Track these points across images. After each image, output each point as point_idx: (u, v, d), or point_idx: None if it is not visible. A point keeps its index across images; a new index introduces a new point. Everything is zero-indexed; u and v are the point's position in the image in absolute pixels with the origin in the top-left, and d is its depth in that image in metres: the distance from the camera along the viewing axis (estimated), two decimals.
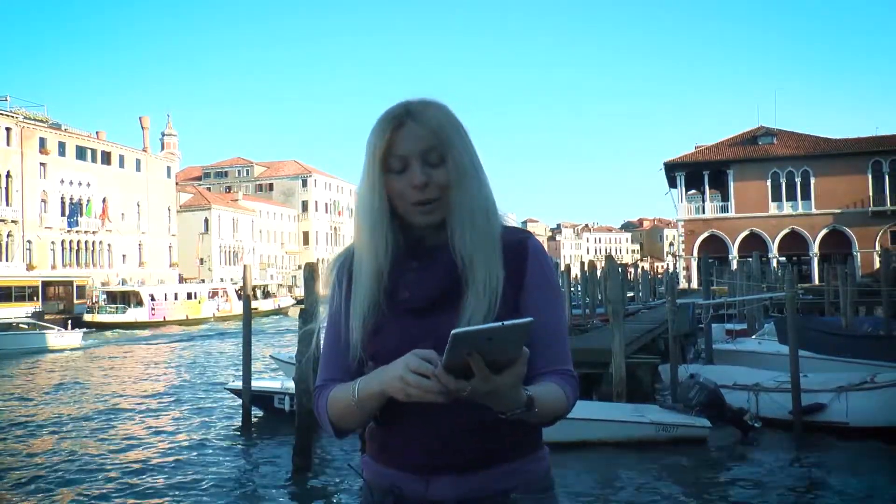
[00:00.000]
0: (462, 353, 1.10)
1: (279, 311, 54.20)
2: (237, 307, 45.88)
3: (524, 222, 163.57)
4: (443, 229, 1.36)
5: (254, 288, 54.73)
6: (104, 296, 45.43)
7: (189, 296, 48.28)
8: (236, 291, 48.81)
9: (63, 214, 51.43)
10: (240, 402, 12.57)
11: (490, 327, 1.09)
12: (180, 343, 31.97)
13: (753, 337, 17.50)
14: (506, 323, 1.08)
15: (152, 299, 45.12)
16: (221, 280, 59.18)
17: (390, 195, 1.35)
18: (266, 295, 56.49)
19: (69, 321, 40.80)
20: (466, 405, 1.19)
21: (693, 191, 54.04)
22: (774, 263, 41.78)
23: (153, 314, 44.20)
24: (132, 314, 43.05)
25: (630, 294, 33.89)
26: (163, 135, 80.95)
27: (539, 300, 1.36)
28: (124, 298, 44.64)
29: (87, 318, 42.10)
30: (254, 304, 51.49)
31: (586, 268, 28.80)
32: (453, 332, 1.08)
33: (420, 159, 1.33)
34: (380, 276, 1.36)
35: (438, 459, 1.33)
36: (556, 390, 1.30)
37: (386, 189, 1.35)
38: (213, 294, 50.61)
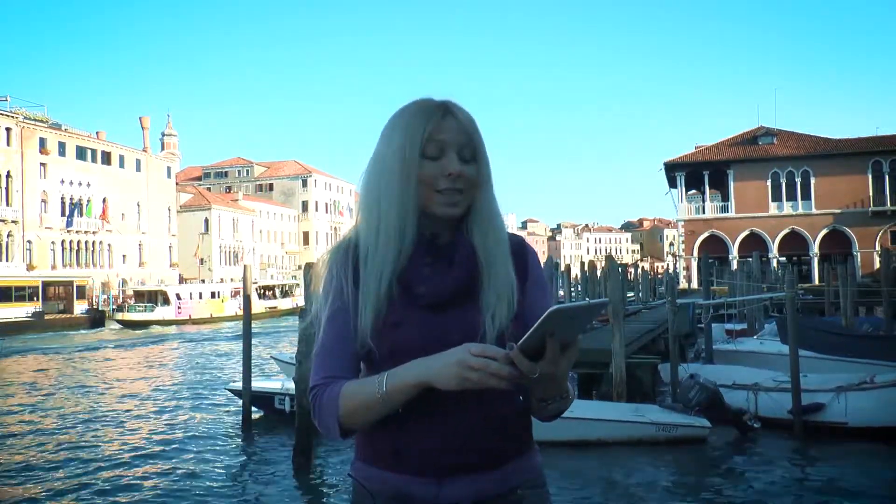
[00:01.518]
0: (546, 333, 1.10)
1: (297, 310, 54.57)
2: (257, 306, 46.78)
3: (524, 222, 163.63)
4: (455, 228, 1.39)
5: (272, 287, 56.37)
6: (105, 295, 45.92)
7: (213, 295, 49.72)
8: (257, 290, 50.13)
9: (63, 214, 51.44)
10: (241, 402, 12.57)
11: (579, 305, 1.10)
12: (135, 349, 29.50)
13: (755, 337, 17.47)
14: (591, 302, 1.12)
15: (178, 298, 46.65)
16: (221, 280, 59.48)
17: (418, 181, 1.35)
18: (285, 294, 57.34)
19: (95, 320, 42.16)
20: (484, 401, 1.21)
21: (693, 191, 54.04)
22: (774, 263, 41.74)
23: (179, 312, 45.75)
24: (160, 312, 44.52)
25: (630, 294, 33.88)
26: (163, 135, 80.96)
27: (538, 297, 1.43)
28: (152, 297, 46.17)
29: (118, 316, 43.99)
30: (273, 302, 53.78)
31: (586, 268, 28.77)
32: (552, 308, 1.08)
33: (456, 151, 1.35)
34: (398, 261, 1.33)
35: (455, 459, 1.30)
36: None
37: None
38: (236, 293, 51.66)
